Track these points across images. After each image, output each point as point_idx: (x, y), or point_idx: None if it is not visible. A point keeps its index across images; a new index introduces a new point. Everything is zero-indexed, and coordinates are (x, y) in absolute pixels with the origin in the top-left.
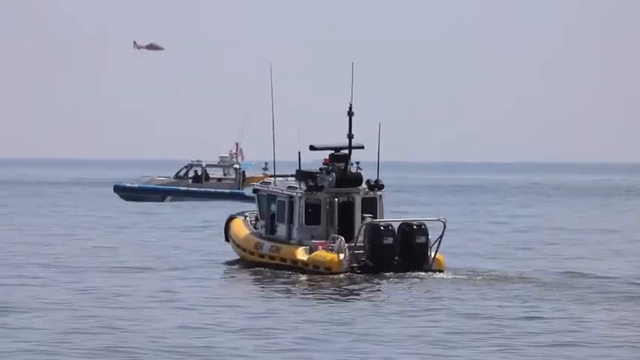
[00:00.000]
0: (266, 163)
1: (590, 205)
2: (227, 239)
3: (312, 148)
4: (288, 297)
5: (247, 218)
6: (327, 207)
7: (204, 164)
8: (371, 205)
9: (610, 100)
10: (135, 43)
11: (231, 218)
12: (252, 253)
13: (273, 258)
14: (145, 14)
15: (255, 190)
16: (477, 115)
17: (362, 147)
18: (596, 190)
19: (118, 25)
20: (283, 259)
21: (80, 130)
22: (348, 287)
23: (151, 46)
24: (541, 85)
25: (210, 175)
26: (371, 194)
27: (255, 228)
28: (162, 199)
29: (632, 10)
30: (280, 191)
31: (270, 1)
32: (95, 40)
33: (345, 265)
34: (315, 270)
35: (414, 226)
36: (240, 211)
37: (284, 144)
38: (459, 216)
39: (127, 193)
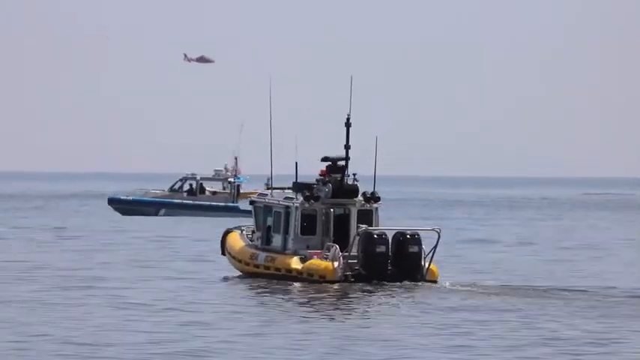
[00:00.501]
0: (268, 178)
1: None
2: (223, 253)
3: (324, 159)
4: (277, 307)
5: (244, 232)
6: (323, 218)
7: (198, 177)
8: (367, 218)
9: (610, 101)
10: (185, 55)
11: (227, 232)
12: (247, 264)
13: (267, 268)
14: (146, 14)
15: (251, 202)
16: (476, 115)
17: (347, 158)
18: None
19: (118, 25)
20: (278, 269)
21: (80, 131)
22: (339, 296)
23: (202, 59)
24: (541, 85)
25: (209, 188)
26: (367, 206)
27: (251, 241)
28: (157, 212)
29: (632, 10)
30: (277, 202)
31: (270, 1)
32: (95, 40)
33: (340, 274)
34: (309, 278)
35: (407, 236)
36: (235, 224)
37: (283, 155)
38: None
39: (122, 205)
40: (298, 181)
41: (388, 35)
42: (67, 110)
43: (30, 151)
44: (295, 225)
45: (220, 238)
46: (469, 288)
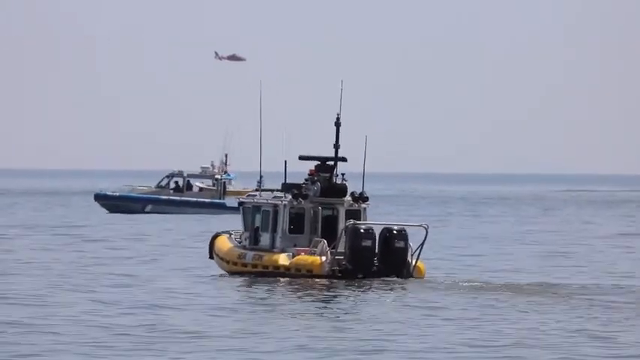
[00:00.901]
0: (261, 177)
1: None
2: (211, 256)
3: (301, 157)
4: (262, 303)
5: (232, 236)
6: (311, 216)
7: (185, 174)
8: (355, 217)
9: (610, 101)
10: (216, 53)
11: (216, 236)
12: (235, 264)
13: (255, 266)
14: (145, 14)
15: (240, 204)
16: (476, 115)
17: (344, 159)
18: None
19: (118, 26)
20: (265, 266)
21: (80, 131)
22: (324, 290)
23: (233, 57)
24: (541, 85)
25: (200, 184)
26: (355, 206)
27: (239, 243)
28: (143, 208)
29: (632, 10)
30: (265, 201)
31: (270, 1)
32: (95, 40)
33: (327, 268)
34: (297, 273)
35: (394, 231)
36: (222, 220)
37: (276, 152)
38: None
39: (108, 201)
40: (288, 179)
41: (388, 35)
42: (67, 110)
43: (29, 151)
44: (283, 223)
45: (208, 242)
46: (464, 284)
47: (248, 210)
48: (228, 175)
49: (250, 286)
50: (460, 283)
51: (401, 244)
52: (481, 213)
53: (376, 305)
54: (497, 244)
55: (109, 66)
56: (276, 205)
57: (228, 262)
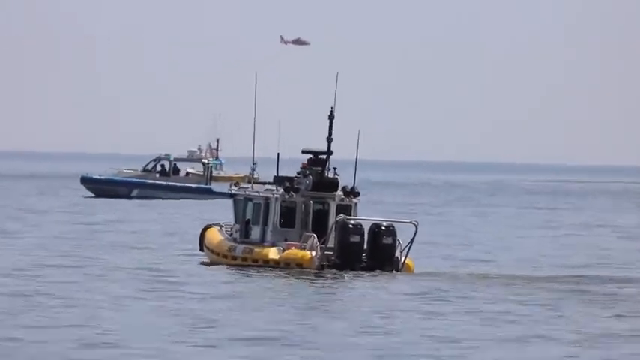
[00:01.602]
0: (254, 163)
1: None
2: (202, 249)
3: (304, 152)
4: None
5: (223, 228)
6: (302, 210)
7: (172, 158)
8: (346, 212)
9: (610, 101)
10: (282, 38)
11: (206, 228)
12: (225, 257)
13: (245, 259)
14: (145, 14)
15: (232, 196)
16: (476, 114)
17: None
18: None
19: (118, 26)
20: (255, 260)
21: (79, 130)
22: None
23: (298, 41)
24: (541, 85)
25: (190, 170)
26: (346, 201)
27: (230, 235)
28: (130, 192)
29: (632, 10)
30: (257, 194)
31: (270, 1)
32: (95, 40)
33: (317, 263)
34: (286, 267)
35: (383, 227)
36: (207, 206)
37: (277, 141)
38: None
39: (94, 185)
40: (283, 168)
41: (388, 35)
42: (67, 110)
43: (29, 150)
44: (274, 216)
45: (199, 234)
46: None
47: (239, 202)
48: (219, 160)
49: (237, 277)
50: (459, 274)
51: (389, 240)
52: (481, 202)
53: (356, 296)
54: (496, 234)
55: (109, 66)
56: (267, 198)
57: (218, 254)
